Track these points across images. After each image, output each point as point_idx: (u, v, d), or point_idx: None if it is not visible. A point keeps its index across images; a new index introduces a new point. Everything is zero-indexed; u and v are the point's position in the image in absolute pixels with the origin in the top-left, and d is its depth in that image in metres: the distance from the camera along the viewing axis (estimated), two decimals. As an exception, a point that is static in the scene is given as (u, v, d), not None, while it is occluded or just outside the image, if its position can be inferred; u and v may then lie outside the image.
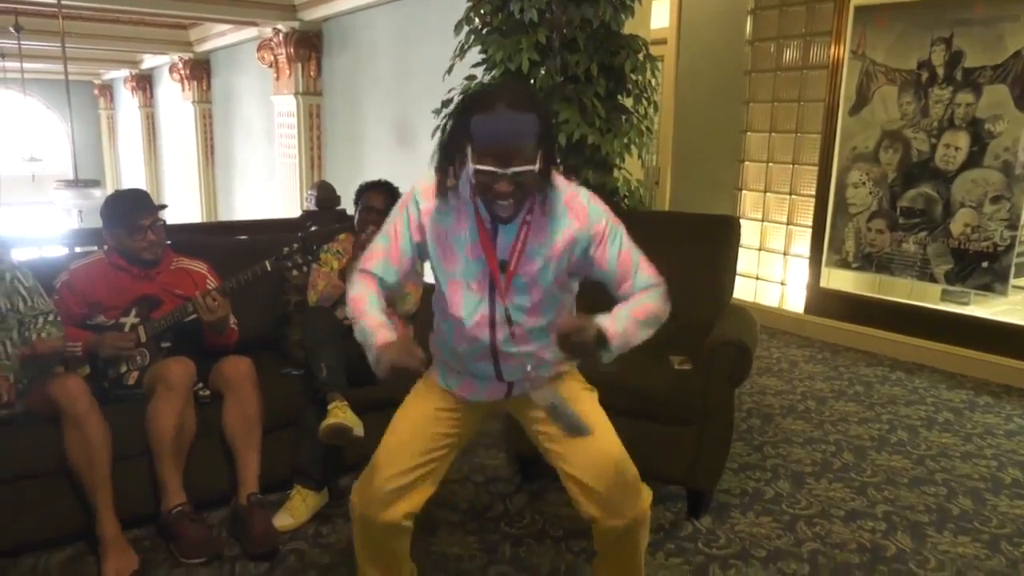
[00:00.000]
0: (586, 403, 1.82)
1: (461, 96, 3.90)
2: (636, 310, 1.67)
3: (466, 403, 1.85)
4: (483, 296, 1.68)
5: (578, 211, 1.66)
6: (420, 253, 1.73)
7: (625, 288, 1.71)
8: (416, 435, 1.80)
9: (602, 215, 1.68)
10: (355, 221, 3.08)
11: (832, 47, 5.01)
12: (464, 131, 1.53)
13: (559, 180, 1.66)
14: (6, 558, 2.31)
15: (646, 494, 1.80)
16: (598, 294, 1.78)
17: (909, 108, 4.66)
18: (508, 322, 1.69)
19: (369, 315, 1.65)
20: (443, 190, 1.64)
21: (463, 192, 1.65)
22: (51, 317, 2.47)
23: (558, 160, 1.66)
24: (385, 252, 1.72)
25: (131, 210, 2.62)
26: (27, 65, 9.74)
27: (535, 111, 1.53)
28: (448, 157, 1.61)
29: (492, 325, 1.70)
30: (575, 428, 1.63)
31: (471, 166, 1.53)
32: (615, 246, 1.68)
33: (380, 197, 3.01)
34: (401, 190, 3.27)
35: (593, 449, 1.72)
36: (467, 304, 1.69)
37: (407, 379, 1.67)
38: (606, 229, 1.67)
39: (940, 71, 4.49)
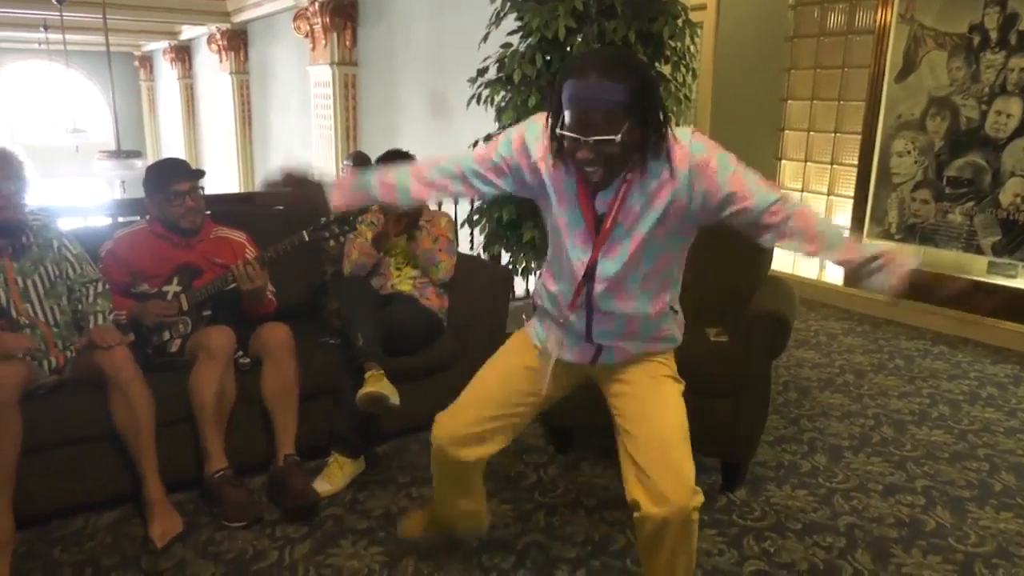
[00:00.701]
0: (666, 394, 1.81)
1: (497, 64, 3.88)
2: (826, 229, 1.61)
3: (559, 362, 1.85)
4: (587, 247, 1.69)
5: (678, 153, 1.58)
6: (512, 176, 1.73)
7: (748, 208, 1.58)
8: (502, 389, 1.87)
9: (704, 148, 1.59)
10: None
11: (879, 11, 4.84)
12: (560, 93, 1.54)
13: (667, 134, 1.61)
14: (57, 519, 2.40)
15: (696, 496, 1.70)
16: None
17: (959, 74, 4.50)
18: (606, 274, 1.69)
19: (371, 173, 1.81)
20: (554, 149, 1.63)
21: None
22: (100, 287, 2.53)
23: (661, 129, 1.57)
24: (479, 153, 1.76)
25: (168, 176, 2.66)
26: (69, 37, 9.86)
27: (627, 81, 1.49)
28: (555, 116, 1.59)
29: (592, 274, 1.70)
30: None
31: (557, 132, 1.56)
32: (724, 171, 1.58)
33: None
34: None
35: (657, 436, 1.72)
36: (573, 247, 1.70)
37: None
38: (710, 158, 1.58)
39: (993, 34, 4.32)
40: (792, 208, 1.59)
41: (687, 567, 1.77)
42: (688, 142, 1.59)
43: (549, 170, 1.67)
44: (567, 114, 1.52)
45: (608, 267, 1.68)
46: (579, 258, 1.70)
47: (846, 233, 1.60)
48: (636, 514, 1.70)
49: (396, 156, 3.08)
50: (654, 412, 1.76)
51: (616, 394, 1.84)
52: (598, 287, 1.70)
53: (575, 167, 1.60)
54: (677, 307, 1.85)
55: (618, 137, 1.49)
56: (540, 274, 1.92)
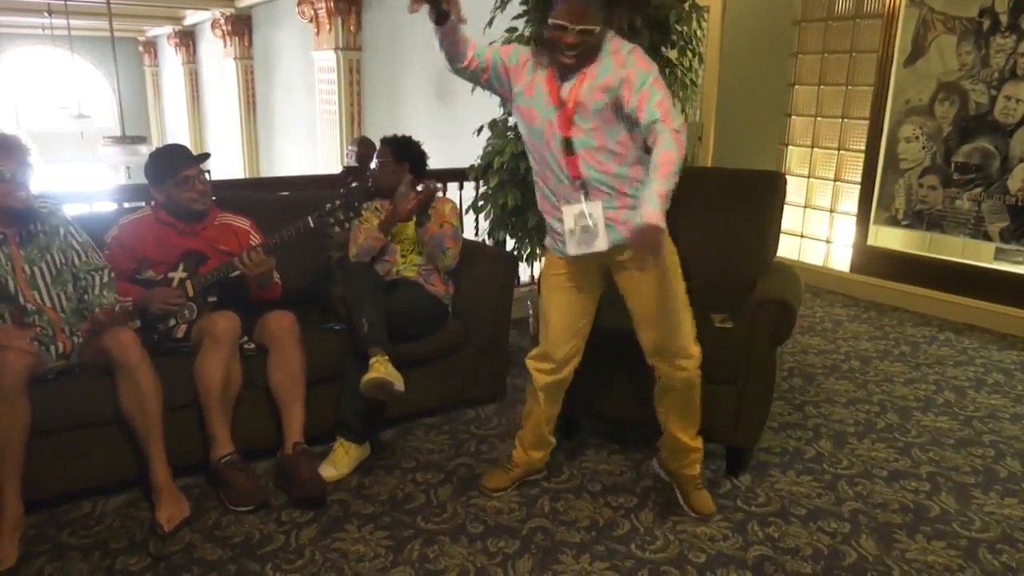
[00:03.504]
0: (667, 276, 2.17)
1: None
2: (659, 170, 1.91)
3: (577, 263, 2.25)
4: (556, 128, 2.10)
5: (617, 58, 2.06)
6: (498, 77, 2.22)
7: (640, 115, 1.99)
8: (564, 315, 2.33)
9: (634, 62, 2.05)
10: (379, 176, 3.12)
11: (888, -6, 4.80)
12: (549, 6, 2.05)
13: (615, 40, 2.09)
14: (65, 503, 2.42)
15: (697, 357, 2.26)
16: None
17: (968, 58, 4.46)
18: (581, 145, 2.09)
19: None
20: (539, 44, 2.13)
21: (542, 55, 2.15)
22: (105, 276, 2.53)
23: (621, 27, 2.21)
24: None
25: (175, 163, 2.66)
26: (73, 22, 9.84)
27: None
28: (542, 28, 2.13)
29: (569, 149, 2.10)
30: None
31: (550, 21, 2.01)
32: (639, 83, 2.01)
33: (388, 149, 3.11)
34: (440, 144, 3.27)
35: (664, 312, 2.19)
36: (548, 132, 2.12)
37: None
38: (635, 71, 2.03)
39: (1004, 18, 4.28)
40: (664, 137, 1.95)
41: (698, 404, 2.35)
42: (625, 54, 2.06)
43: (525, 71, 2.17)
44: (557, 9, 2.00)
45: (580, 140, 2.09)
46: (555, 136, 2.11)
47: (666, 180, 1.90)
48: (657, 374, 2.29)
49: (407, 143, 3.10)
50: (660, 296, 2.17)
51: (628, 286, 2.23)
52: (579, 158, 2.10)
53: (557, 53, 2.05)
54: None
55: (597, 28, 2.00)
56: (538, 202, 2.29)
